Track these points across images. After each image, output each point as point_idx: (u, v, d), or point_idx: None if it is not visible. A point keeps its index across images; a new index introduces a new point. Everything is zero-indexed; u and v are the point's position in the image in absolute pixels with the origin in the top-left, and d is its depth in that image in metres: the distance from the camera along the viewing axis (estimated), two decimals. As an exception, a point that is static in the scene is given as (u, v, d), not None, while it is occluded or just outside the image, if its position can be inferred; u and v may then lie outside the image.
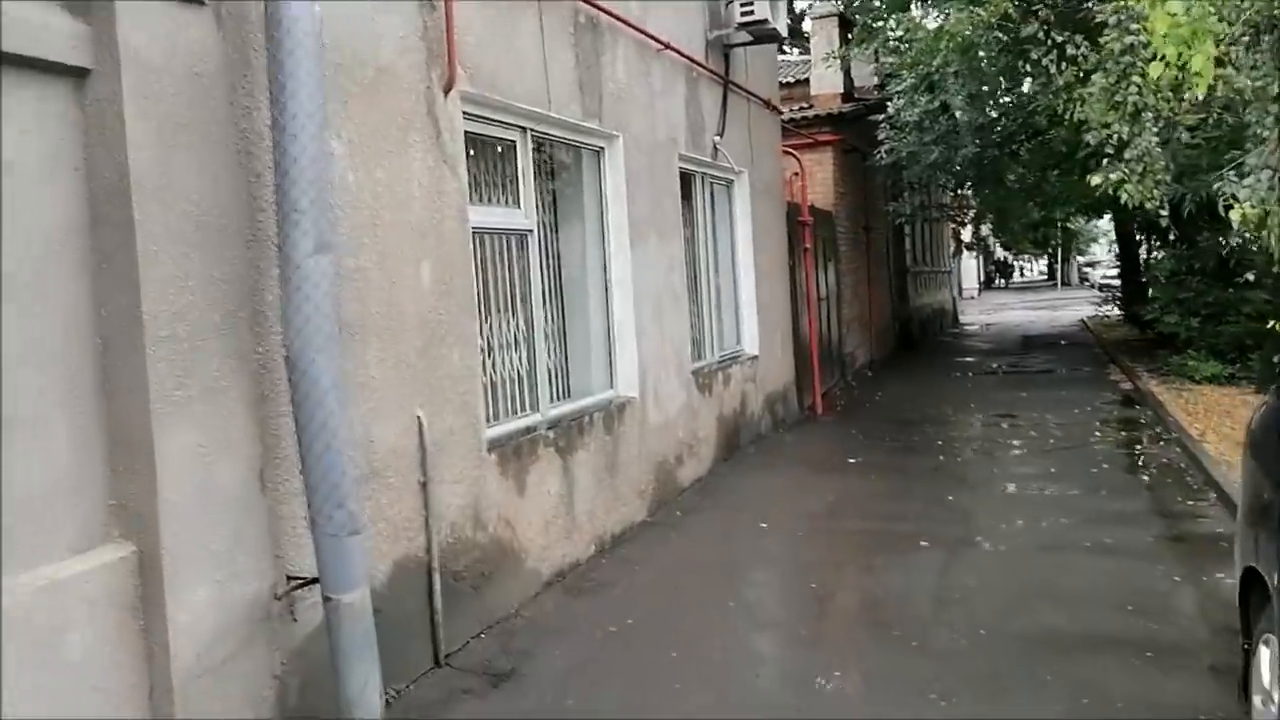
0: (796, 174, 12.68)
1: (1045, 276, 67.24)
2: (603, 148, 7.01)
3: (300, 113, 3.26)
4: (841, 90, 16.61)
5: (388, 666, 3.95)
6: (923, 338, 22.52)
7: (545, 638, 4.93)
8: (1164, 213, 6.81)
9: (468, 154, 5.24)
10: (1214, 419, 9.98)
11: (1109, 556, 5.97)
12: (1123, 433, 9.96)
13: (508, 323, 5.95)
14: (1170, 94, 6.15)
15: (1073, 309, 34.26)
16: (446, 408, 4.66)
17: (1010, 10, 11.34)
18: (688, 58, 8.33)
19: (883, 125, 15.36)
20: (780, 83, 14.88)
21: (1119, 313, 25.60)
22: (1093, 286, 49.03)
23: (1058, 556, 6.01)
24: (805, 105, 15.97)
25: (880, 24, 16.26)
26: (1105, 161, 6.73)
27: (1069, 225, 35.58)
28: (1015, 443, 9.74)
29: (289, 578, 3.55)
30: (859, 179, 16.86)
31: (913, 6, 13.41)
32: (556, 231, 6.97)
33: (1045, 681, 4.25)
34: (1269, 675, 2.92)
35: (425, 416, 4.42)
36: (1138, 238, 24.99)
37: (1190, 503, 7.10)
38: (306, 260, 3.26)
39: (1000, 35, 11.34)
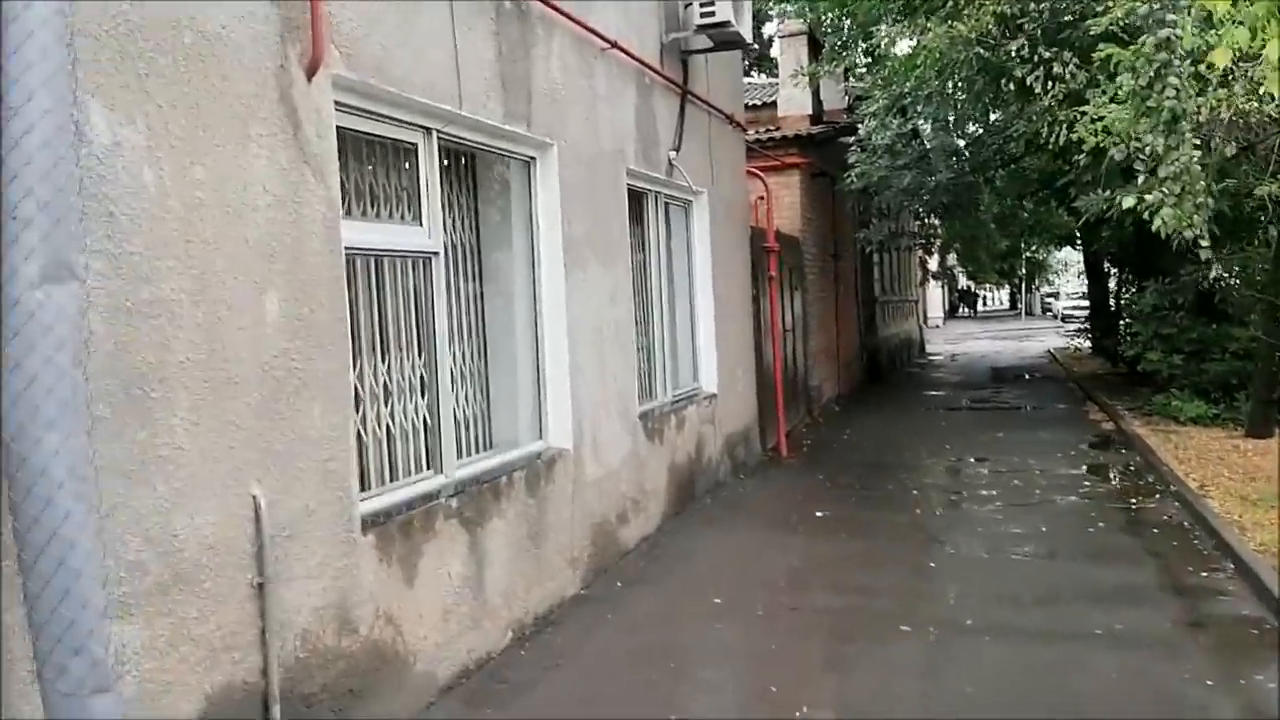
0: (762, 198, 11.78)
1: (1008, 306, 67.18)
2: (533, 157, 6.01)
3: (26, 75, 2.22)
4: (810, 112, 15.73)
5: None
6: (891, 369, 21.69)
7: (431, 772, 3.87)
8: (1204, 242, 5.89)
9: (347, 156, 4.22)
10: (1209, 467, 9.12)
11: (1125, 649, 4.99)
12: (1113, 482, 9.05)
13: (406, 364, 4.91)
14: (1216, 97, 5.23)
15: (1038, 340, 33.70)
16: (301, 479, 3.60)
17: (991, 27, 10.53)
18: (638, 60, 7.37)
19: (853, 148, 14.52)
20: (746, 105, 14.05)
21: (1088, 345, 25.02)
22: (1055, 317, 48.78)
23: (1064, 648, 5.03)
24: (772, 128, 15.07)
25: (850, 46, 15.53)
26: (1140, 180, 5.80)
27: (1037, 256, 35.18)
28: (997, 493, 8.80)
29: (16, 746, 2.47)
30: (827, 204, 16.01)
31: (883, 25, 12.49)
32: (478, 255, 5.96)
33: None
34: None
35: (265, 494, 3.36)
36: (1107, 269, 24.46)
37: (1205, 574, 6.17)
38: (30, 293, 2.22)
39: (981, 52, 10.50)
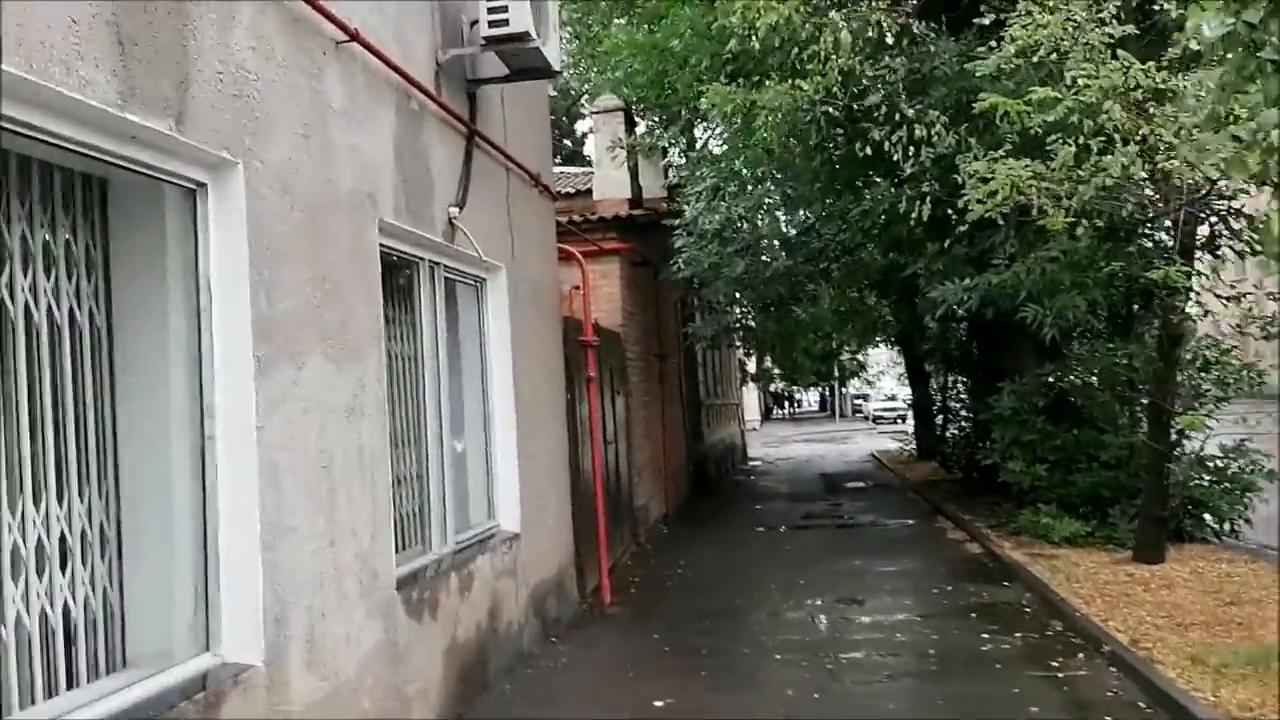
0: (577, 287, 9.74)
1: (818, 408, 67.98)
2: (202, 184, 3.68)
3: None
4: (629, 195, 13.99)
5: None
6: (718, 479, 19.92)
7: None
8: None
9: None
10: (1122, 607, 7.49)
11: None
12: (1018, 635, 7.21)
13: None
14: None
15: (855, 442, 33.21)
16: None
17: (836, 88, 9.07)
18: (400, 72, 5.22)
19: (678, 232, 12.80)
20: (559, 193, 12.25)
21: (912, 448, 24.19)
22: (867, 419, 49.13)
23: None
24: (589, 215, 13.14)
25: (671, 124, 14.05)
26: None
27: (857, 358, 34.92)
28: (880, 656, 6.82)
29: None
30: (650, 297, 14.20)
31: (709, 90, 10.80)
32: (109, 342, 3.55)
33: None
34: None
35: None
36: (927, 369, 23.88)
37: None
38: None
39: (831, 110, 8.99)
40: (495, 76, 6.38)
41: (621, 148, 12.17)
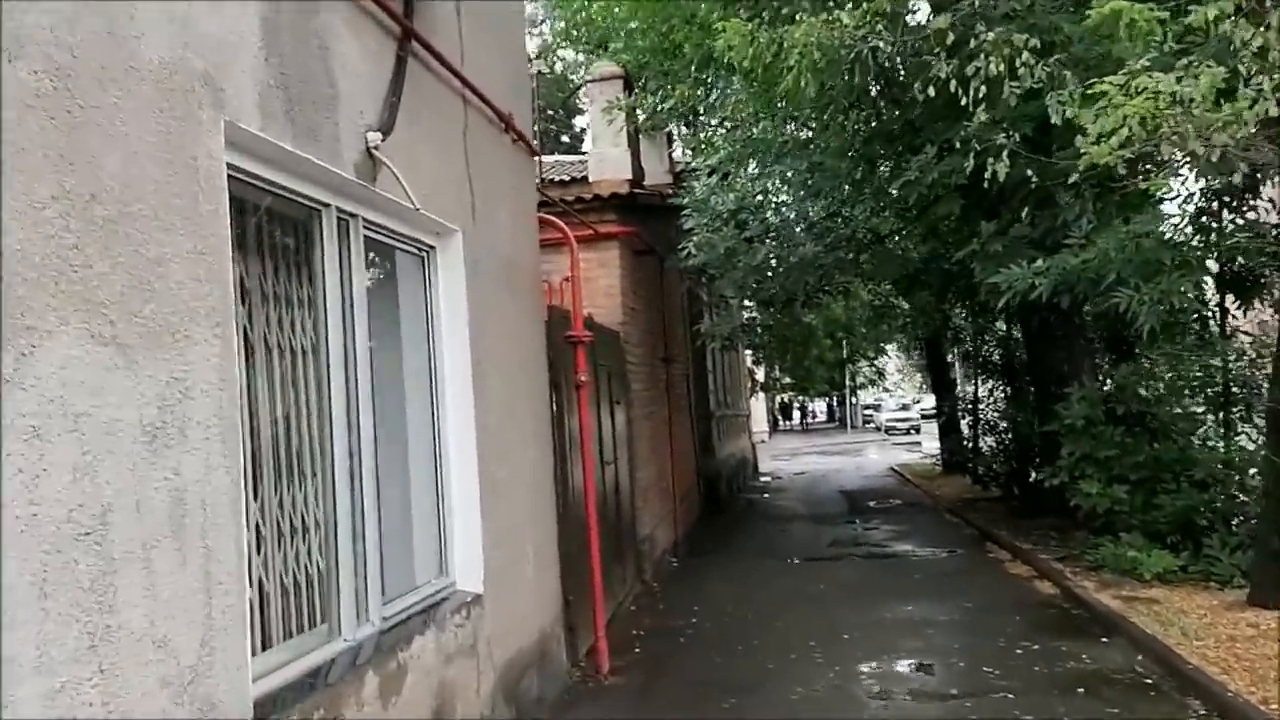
0: (569, 278, 7.88)
1: (825, 419, 66.01)
2: None
3: None
4: (629, 176, 12.14)
5: None
6: (730, 498, 18.02)
7: None
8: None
9: None
10: (1273, 675, 5.64)
11: None
12: (1154, 723, 5.37)
13: None
14: None
15: (870, 454, 31.41)
16: None
17: (882, 26, 7.31)
18: (271, -93, 3.38)
19: (687, 213, 10.95)
20: (551, 181, 10.55)
21: (935, 459, 22.35)
22: (879, 429, 47.17)
23: None
24: (583, 196, 11.29)
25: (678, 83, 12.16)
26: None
27: (875, 365, 33.11)
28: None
29: None
30: (655, 292, 12.34)
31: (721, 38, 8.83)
32: None
33: None
34: None
35: None
36: (953, 376, 22.08)
37: None
38: None
39: (880, 45, 7.16)
40: (439, -43, 4.55)
41: (620, 109, 10.32)
